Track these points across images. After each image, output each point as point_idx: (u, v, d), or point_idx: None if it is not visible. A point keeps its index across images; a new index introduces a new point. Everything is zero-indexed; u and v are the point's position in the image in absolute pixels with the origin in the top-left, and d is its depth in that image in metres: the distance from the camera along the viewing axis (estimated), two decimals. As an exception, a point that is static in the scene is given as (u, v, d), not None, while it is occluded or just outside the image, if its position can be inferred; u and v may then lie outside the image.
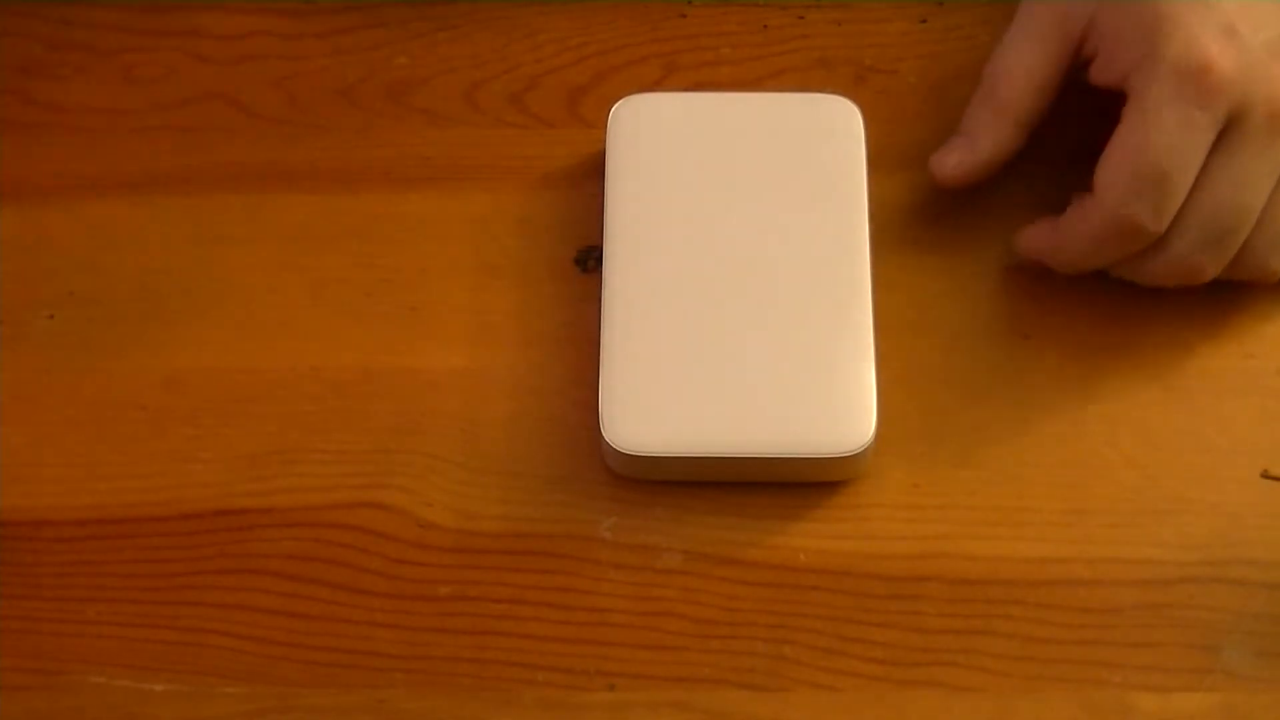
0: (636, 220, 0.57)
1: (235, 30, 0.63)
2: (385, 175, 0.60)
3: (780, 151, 0.58)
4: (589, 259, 0.58)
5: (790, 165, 0.58)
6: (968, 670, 0.53)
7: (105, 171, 0.61)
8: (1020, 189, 0.59)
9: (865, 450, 0.54)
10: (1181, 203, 0.53)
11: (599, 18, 0.63)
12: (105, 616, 0.54)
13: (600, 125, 0.59)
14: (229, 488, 0.55)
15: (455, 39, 0.63)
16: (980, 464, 0.55)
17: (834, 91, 0.59)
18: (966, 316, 0.57)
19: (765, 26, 0.63)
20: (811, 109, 0.59)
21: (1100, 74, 0.55)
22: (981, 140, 0.57)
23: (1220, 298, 0.57)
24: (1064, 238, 0.55)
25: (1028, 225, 0.57)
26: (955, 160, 0.57)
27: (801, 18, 0.63)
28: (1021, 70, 0.56)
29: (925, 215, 0.59)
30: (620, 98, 0.59)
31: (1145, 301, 0.57)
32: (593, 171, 0.59)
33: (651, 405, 0.54)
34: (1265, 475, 0.55)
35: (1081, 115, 0.57)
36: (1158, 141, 0.52)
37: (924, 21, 0.63)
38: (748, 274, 0.56)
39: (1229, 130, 0.53)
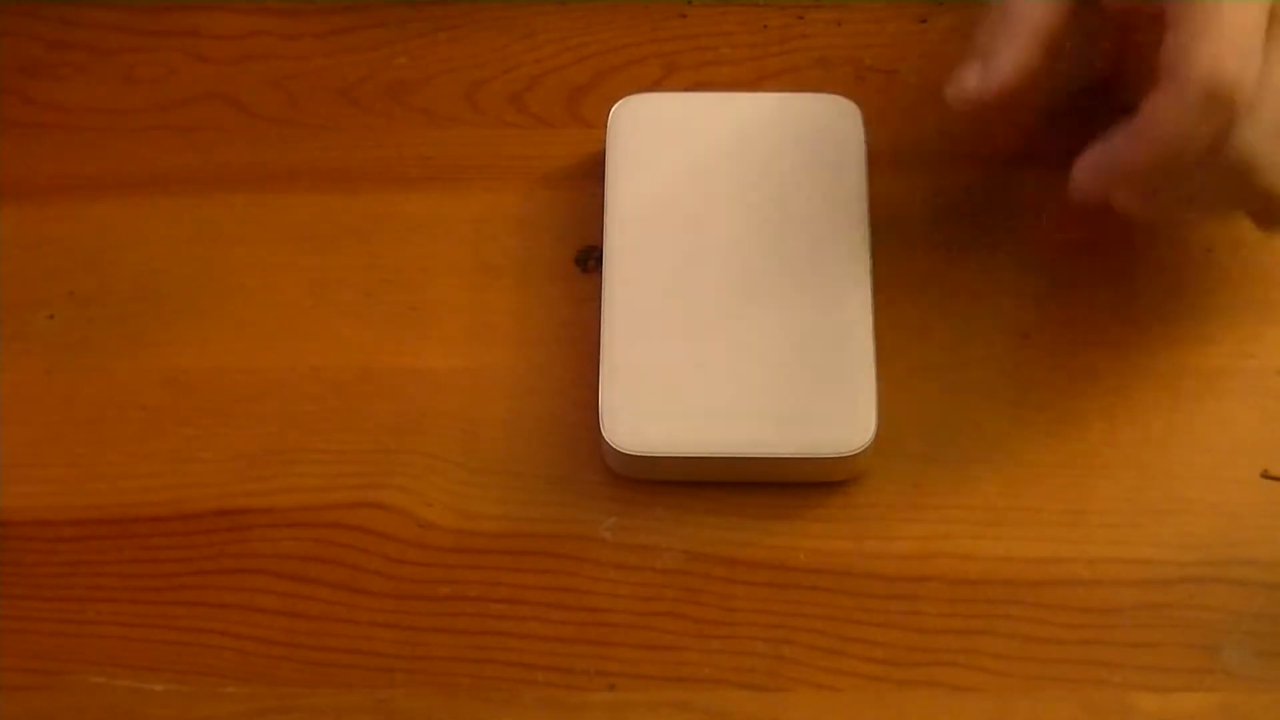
0: (636, 220, 0.57)
1: (235, 30, 0.63)
2: (385, 175, 0.60)
3: (780, 151, 0.58)
4: (589, 259, 0.58)
5: (790, 165, 0.58)
6: (968, 670, 0.53)
7: (105, 171, 0.61)
8: (1020, 189, 0.59)
9: (865, 450, 0.54)
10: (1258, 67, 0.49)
11: (599, 18, 0.63)
12: (105, 616, 0.54)
13: (600, 125, 0.59)
14: (229, 488, 0.55)
15: (455, 39, 0.63)
16: (980, 464, 0.55)
17: (834, 91, 0.60)
18: (966, 316, 0.57)
19: (765, 26, 0.63)
20: (811, 109, 0.59)
21: None
22: (1000, 59, 0.51)
23: (1220, 298, 0.57)
24: (1140, 140, 0.50)
25: (1085, 153, 0.51)
26: (974, 82, 0.52)
27: (801, 18, 0.63)
28: None
29: (925, 215, 0.59)
30: (620, 98, 0.59)
31: (1145, 301, 0.57)
32: (593, 171, 0.59)
33: (651, 405, 0.54)
34: (1265, 475, 0.55)
35: (1080, 115, 0.57)
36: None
37: (924, 21, 0.63)
38: (747, 274, 0.56)
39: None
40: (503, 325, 0.58)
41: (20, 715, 0.53)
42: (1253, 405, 0.56)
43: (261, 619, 0.54)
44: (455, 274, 0.58)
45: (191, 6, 0.63)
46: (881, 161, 0.58)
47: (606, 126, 0.59)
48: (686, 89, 0.61)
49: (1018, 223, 0.58)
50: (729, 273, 0.56)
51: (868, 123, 0.59)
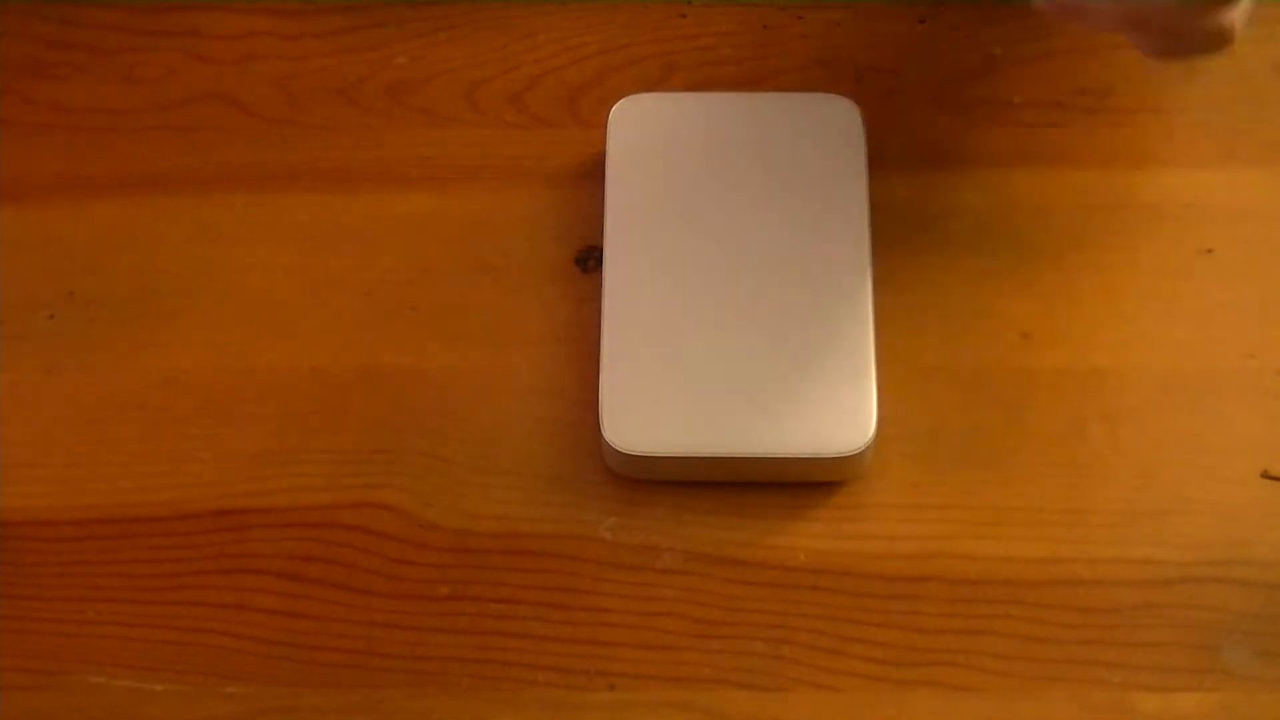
0: (636, 220, 0.57)
1: (235, 30, 0.63)
2: (385, 175, 0.60)
3: (780, 151, 0.58)
4: (589, 259, 0.58)
5: (790, 165, 0.58)
6: (968, 670, 0.53)
7: (105, 171, 0.61)
8: (1020, 188, 0.59)
9: (865, 450, 0.54)
10: None
11: (599, 18, 0.63)
12: (105, 616, 0.54)
13: (600, 125, 0.59)
14: (229, 488, 0.55)
15: (455, 39, 0.63)
16: (980, 464, 0.55)
17: (834, 91, 0.59)
18: (966, 316, 0.57)
19: (765, 26, 0.63)
20: (811, 109, 0.59)
21: None
22: None
23: (1220, 298, 0.57)
24: None
25: None
26: None
27: (801, 18, 0.63)
28: None
29: (925, 215, 0.59)
30: (620, 98, 0.59)
31: (1145, 301, 0.57)
32: (593, 171, 0.59)
33: (651, 405, 0.54)
34: (1265, 475, 0.55)
35: (1080, 112, 0.57)
36: None
37: (923, 21, 0.63)
38: (748, 274, 0.56)
39: None
40: (503, 325, 0.57)
41: (20, 715, 0.53)
42: (1253, 405, 0.56)
43: (261, 619, 0.54)
44: (455, 274, 0.58)
45: (191, 6, 0.63)
46: (881, 161, 0.58)
47: (606, 126, 0.59)
48: (686, 89, 0.61)
49: (1018, 223, 0.58)
50: (729, 273, 0.56)
51: (868, 123, 0.59)
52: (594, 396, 0.55)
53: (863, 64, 0.62)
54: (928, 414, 0.56)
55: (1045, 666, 0.52)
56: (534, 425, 0.56)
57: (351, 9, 0.63)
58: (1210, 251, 0.58)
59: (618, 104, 0.59)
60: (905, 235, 0.58)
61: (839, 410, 0.54)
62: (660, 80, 0.62)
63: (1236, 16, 0.50)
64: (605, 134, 0.59)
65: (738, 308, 0.56)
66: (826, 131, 0.59)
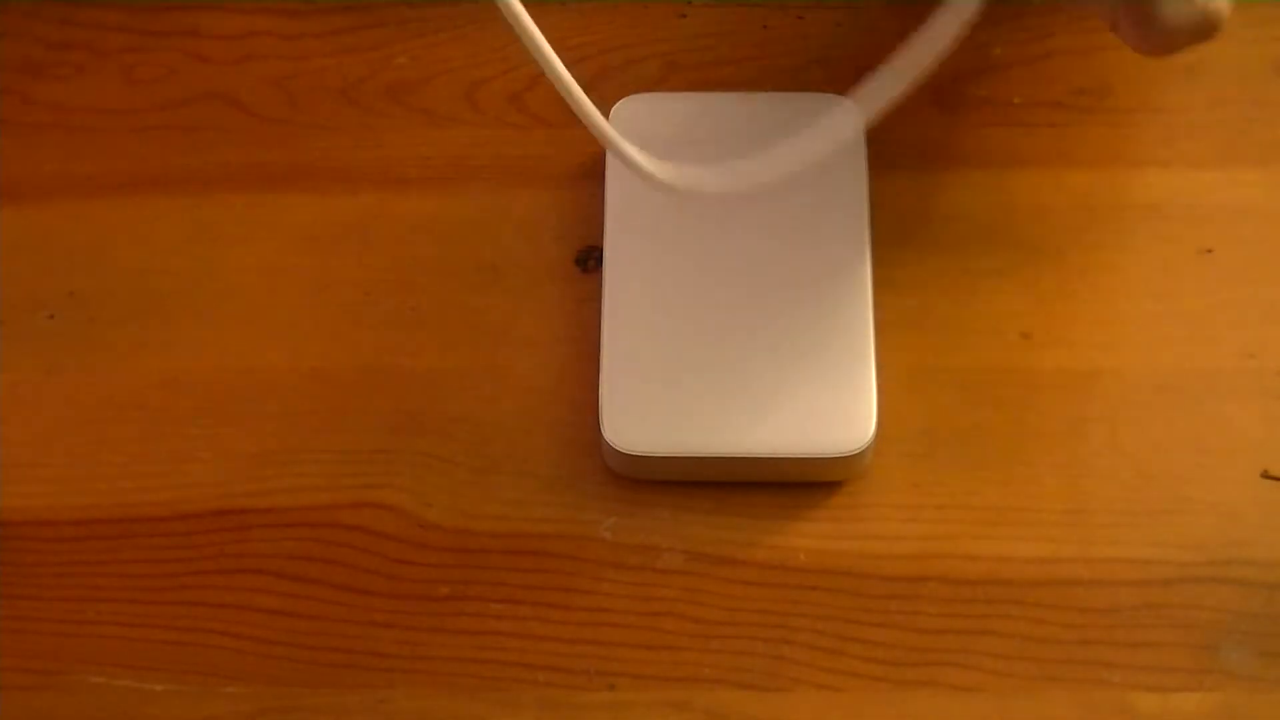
0: (636, 220, 0.57)
1: (235, 30, 0.63)
2: (385, 175, 0.60)
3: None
4: (589, 259, 0.58)
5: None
6: (968, 670, 0.53)
7: (105, 171, 0.61)
8: (1020, 188, 0.59)
9: (865, 450, 0.54)
10: None
11: (599, 18, 0.63)
12: (105, 616, 0.54)
13: (600, 125, 0.59)
14: (229, 488, 0.55)
15: (455, 39, 0.63)
16: (980, 464, 0.55)
17: (834, 91, 0.59)
18: (966, 316, 0.57)
19: (765, 26, 0.63)
20: (811, 109, 0.59)
21: None
22: None
23: (1220, 297, 0.57)
24: None
25: None
26: None
27: (801, 18, 0.63)
28: None
29: (925, 215, 0.59)
30: (620, 98, 0.59)
31: (1145, 301, 0.57)
32: (593, 171, 0.59)
33: (651, 405, 0.54)
34: (1265, 475, 0.55)
35: (1080, 112, 0.57)
36: None
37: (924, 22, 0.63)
38: (748, 274, 0.56)
39: None
40: (503, 325, 0.57)
41: (20, 715, 0.53)
42: (1253, 405, 0.56)
43: (261, 619, 0.54)
44: (455, 274, 0.58)
45: (191, 6, 0.63)
46: (881, 161, 0.58)
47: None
48: (686, 89, 0.61)
49: (1018, 223, 0.58)
50: (729, 273, 0.56)
51: (867, 123, 0.59)
52: (594, 396, 0.55)
53: (863, 64, 0.62)
54: (928, 414, 0.56)
55: (1045, 666, 0.52)
56: (534, 425, 0.56)
57: (351, 9, 0.63)
58: (1210, 251, 0.58)
59: (618, 104, 0.59)
60: (905, 235, 0.58)
61: (839, 410, 0.54)
62: (660, 80, 0.62)
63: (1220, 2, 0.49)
64: (605, 134, 0.59)
65: (738, 308, 0.56)
66: (826, 131, 0.59)
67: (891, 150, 0.59)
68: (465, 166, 0.60)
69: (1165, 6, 0.49)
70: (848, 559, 0.54)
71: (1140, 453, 0.55)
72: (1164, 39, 0.50)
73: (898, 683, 0.52)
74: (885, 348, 0.55)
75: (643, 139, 0.58)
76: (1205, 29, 0.50)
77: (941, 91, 0.61)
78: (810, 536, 0.54)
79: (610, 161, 0.58)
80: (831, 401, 0.54)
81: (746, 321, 0.55)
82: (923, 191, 0.59)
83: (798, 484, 0.55)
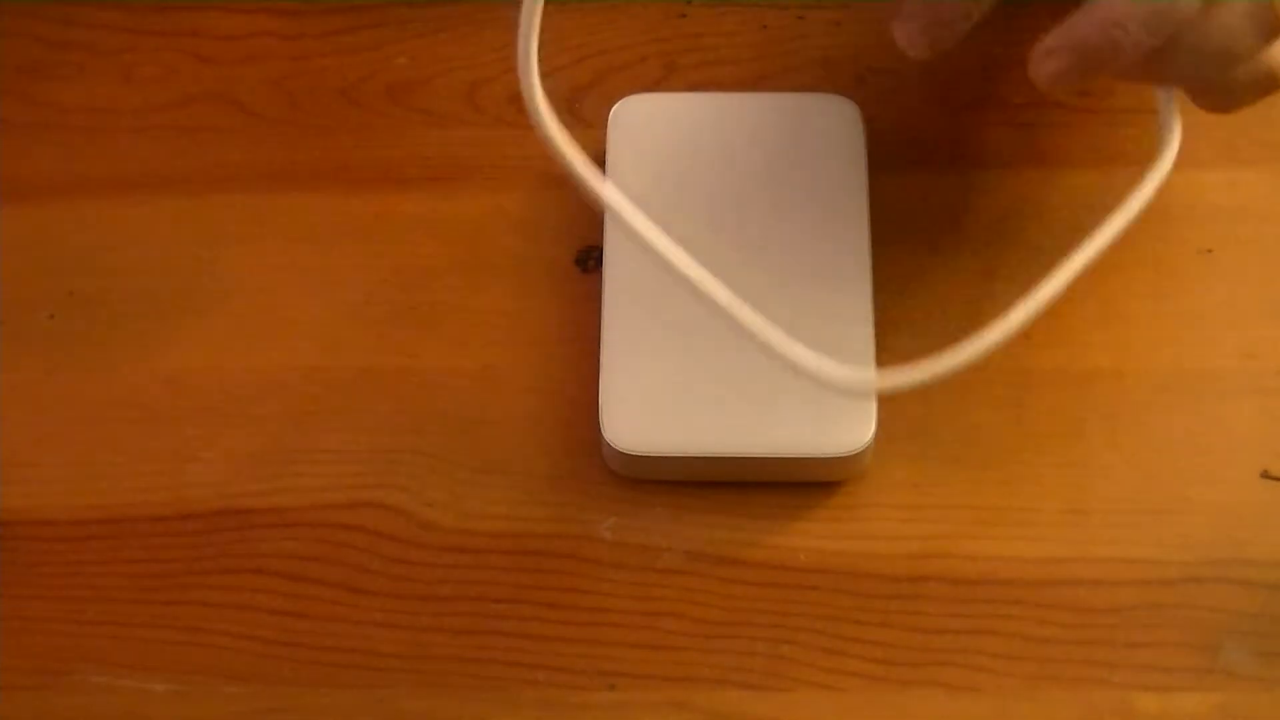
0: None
1: (235, 30, 0.63)
2: (385, 175, 0.60)
3: (780, 151, 0.58)
4: (589, 259, 0.58)
5: (790, 165, 0.58)
6: (968, 670, 0.53)
7: (105, 171, 0.61)
8: (1020, 188, 0.59)
9: (865, 450, 0.54)
10: None
11: (599, 18, 0.63)
12: (105, 616, 0.54)
13: (600, 125, 0.59)
14: (229, 488, 0.55)
15: (455, 39, 0.63)
16: (980, 464, 0.55)
17: (834, 91, 0.60)
18: (967, 317, 0.57)
19: (765, 26, 0.63)
20: (811, 109, 0.59)
21: None
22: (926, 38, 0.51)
23: (1220, 297, 0.57)
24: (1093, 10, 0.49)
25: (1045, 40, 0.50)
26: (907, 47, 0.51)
27: (801, 18, 0.63)
28: None
29: (925, 215, 0.59)
30: (620, 98, 0.59)
31: (1146, 301, 0.57)
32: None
33: (651, 405, 0.54)
34: (1265, 475, 0.55)
35: (1080, 112, 0.57)
36: None
37: (924, 21, 0.63)
38: (747, 274, 0.56)
39: None
40: (503, 325, 0.57)
41: (20, 715, 0.53)
42: (1253, 405, 0.56)
43: (261, 619, 0.54)
44: (455, 274, 0.58)
45: (191, 6, 0.63)
46: (881, 161, 0.58)
47: (606, 126, 0.59)
48: (686, 89, 0.61)
49: (1018, 223, 0.58)
50: (729, 273, 0.56)
51: (868, 123, 0.59)
52: (594, 396, 0.55)
53: (863, 64, 0.62)
54: (928, 414, 0.56)
55: (1045, 666, 0.52)
56: (534, 425, 0.56)
57: (351, 9, 0.63)
58: (1210, 251, 0.58)
59: (618, 104, 0.59)
60: (905, 235, 0.58)
61: (839, 410, 0.54)
62: (660, 80, 0.62)
63: (1277, 56, 0.50)
64: (605, 134, 0.59)
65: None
66: (826, 131, 0.59)
67: (891, 150, 0.59)
68: (465, 166, 0.60)
69: (1237, 72, 0.50)
70: (848, 559, 0.54)
71: (1140, 453, 0.55)
72: (1235, 101, 0.52)
73: (898, 683, 0.52)
74: (885, 347, 0.55)
75: (643, 139, 0.59)
76: (1271, 86, 0.51)
77: (941, 91, 0.61)
78: (810, 536, 0.54)
79: (610, 161, 0.58)
80: (831, 401, 0.54)
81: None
82: (923, 191, 0.59)
83: (798, 484, 0.55)
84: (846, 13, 0.63)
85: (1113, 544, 0.54)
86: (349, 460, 0.56)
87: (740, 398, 0.54)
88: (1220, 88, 0.51)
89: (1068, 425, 0.56)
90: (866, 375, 0.51)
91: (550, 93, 0.59)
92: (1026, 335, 0.56)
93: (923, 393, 0.56)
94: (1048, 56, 0.49)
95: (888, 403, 0.54)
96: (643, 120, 0.59)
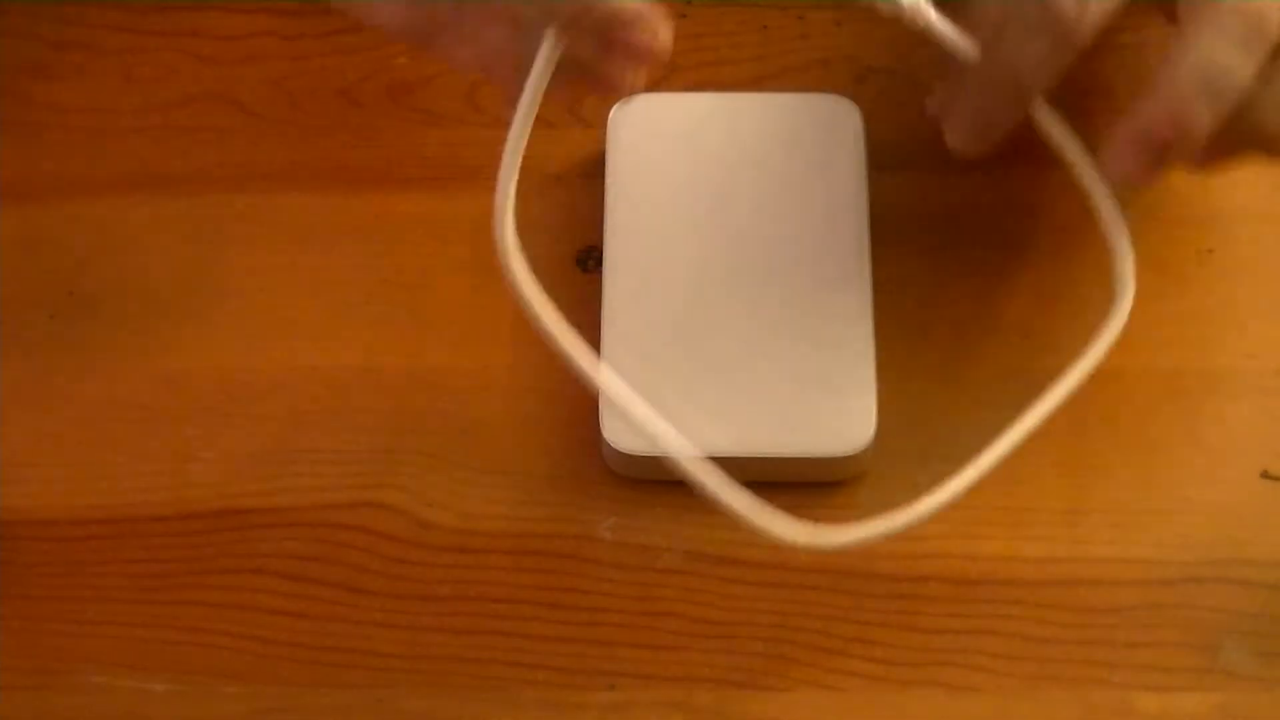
0: (636, 220, 0.57)
1: (235, 30, 0.63)
2: (385, 175, 0.60)
3: (780, 151, 0.58)
4: (589, 259, 0.58)
5: (790, 165, 0.58)
6: (968, 670, 0.53)
7: (105, 171, 0.61)
8: (1020, 188, 0.59)
9: (865, 450, 0.54)
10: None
11: (599, 18, 0.63)
12: (105, 616, 0.54)
13: (600, 125, 0.59)
14: (229, 488, 0.55)
15: (455, 39, 0.62)
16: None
17: (834, 91, 0.60)
18: (966, 316, 0.57)
19: (765, 27, 0.63)
20: (811, 109, 0.59)
21: None
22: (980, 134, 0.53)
23: (1220, 297, 0.57)
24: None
25: (1110, 139, 0.50)
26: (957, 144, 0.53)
27: (801, 18, 0.63)
28: None
29: (925, 215, 0.59)
30: (620, 98, 0.59)
31: (1145, 301, 0.57)
32: (593, 171, 0.59)
33: (651, 405, 0.54)
34: (1265, 475, 0.55)
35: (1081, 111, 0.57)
36: None
37: (924, 21, 0.63)
38: (747, 274, 0.56)
39: None
40: (503, 325, 0.58)
41: (20, 715, 0.53)
42: (1253, 405, 0.56)
43: (261, 619, 0.54)
44: (455, 274, 0.58)
45: (191, 6, 0.63)
46: (881, 161, 0.58)
47: (606, 126, 0.59)
48: (686, 89, 0.61)
49: (1017, 223, 0.58)
50: (729, 273, 0.56)
51: (868, 123, 0.59)
52: (594, 396, 0.55)
53: (863, 64, 0.62)
54: (928, 414, 0.56)
55: (1045, 666, 0.52)
56: (534, 425, 0.56)
57: (352, 9, 0.63)
58: (1210, 251, 0.58)
59: (618, 104, 0.59)
60: (905, 235, 0.58)
61: (839, 410, 0.54)
62: (660, 80, 0.62)
63: None
64: (605, 134, 0.59)
65: (737, 308, 0.56)
66: (826, 131, 0.59)
67: (891, 150, 0.59)
68: (465, 166, 0.60)
69: None
70: (848, 559, 0.54)
71: (1140, 453, 0.55)
72: None
73: (898, 683, 0.52)
74: (885, 348, 0.55)
75: (643, 139, 0.59)
76: None
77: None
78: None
79: (610, 161, 0.58)
80: (831, 401, 0.54)
81: (746, 321, 0.55)
82: (923, 191, 0.59)
83: (798, 484, 0.55)
84: (846, 13, 0.63)
85: (1113, 544, 0.54)
86: (349, 460, 0.56)
87: (740, 398, 0.54)
88: None
89: (1068, 425, 0.55)
90: (811, 531, 0.51)
91: (550, 93, 0.59)
92: (1027, 335, 0.56)
93: (922, 393, 0.56)
94: (1121, 156, 0.50)
95: (888, 403, 0.54)
96: (643, 120, 0.59)
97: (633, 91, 0.51)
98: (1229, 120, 0.49)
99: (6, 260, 0.59)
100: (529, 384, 0.57)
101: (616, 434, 0.54)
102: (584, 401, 0.55)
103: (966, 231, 0.58)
